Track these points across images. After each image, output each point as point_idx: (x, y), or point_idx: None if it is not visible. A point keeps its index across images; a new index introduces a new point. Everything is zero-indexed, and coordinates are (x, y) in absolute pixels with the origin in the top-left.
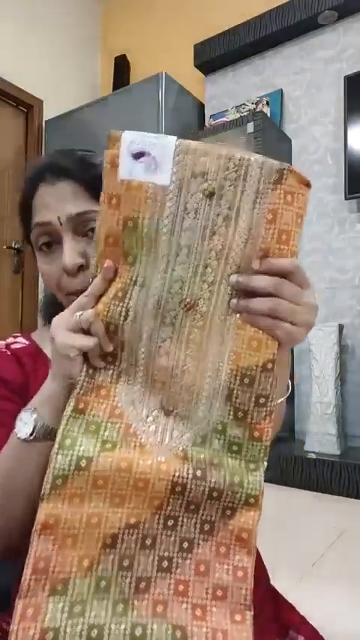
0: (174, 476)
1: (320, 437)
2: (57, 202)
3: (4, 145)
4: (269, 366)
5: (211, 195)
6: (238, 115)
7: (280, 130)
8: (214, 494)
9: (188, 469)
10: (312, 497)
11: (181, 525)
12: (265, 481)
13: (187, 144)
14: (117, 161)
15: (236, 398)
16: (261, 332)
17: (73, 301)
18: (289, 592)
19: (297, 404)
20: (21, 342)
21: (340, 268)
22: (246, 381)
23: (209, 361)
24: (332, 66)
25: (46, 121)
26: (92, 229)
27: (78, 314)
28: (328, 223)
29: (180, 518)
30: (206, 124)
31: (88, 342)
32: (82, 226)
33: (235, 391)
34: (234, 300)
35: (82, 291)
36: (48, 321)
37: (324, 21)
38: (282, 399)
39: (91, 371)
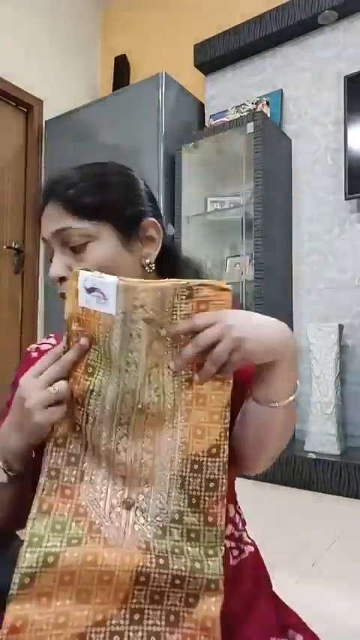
0: (138, 566)
1: (320, 437)
2: (46, 221)
3: (4, 145)
4: (213, 451)
5: (150, 320)
6: (238, 115)
7: (280, 130)
8: (177, 581)
9: (151, 559)
10: (312, 497)
11: (147, 618)
12: (266, 481)
13: (128, 282)
14: (77, 292)
15: (189, 485)
16: (203, 420)
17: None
18: (289, 592)
19: (297, 404)
20: (50, 342)
21: (340, 268)
22: (195, 467)
23: (163, 453)
24: (332, 66)
25: (46, 121)
26: (72, 246)
27: (53, 389)
28: (328, 223)
29: (146, 611)
30: (206, 124)
31: (60, 413)
32: (62, 244)
33: (187, 478)
34: (178, 361)
35: (62, 295)
36: None
37: (324, 21)
38: (291, 398)
39: (53, 472)
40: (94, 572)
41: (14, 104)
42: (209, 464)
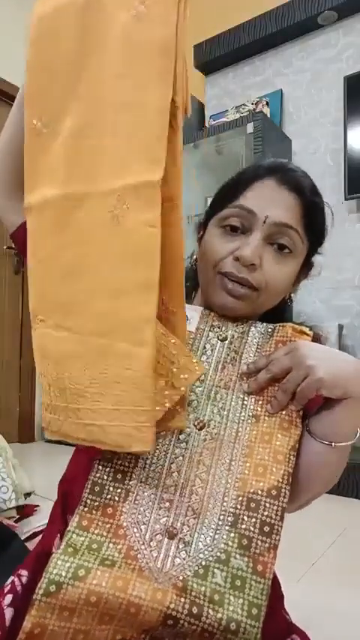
0: (168, 607)
1: None
2: (272, 203)
3: None
4: (274, 492)
5: (224, 339)
6: (238, 116)
7: (280, 130)
8: (206, 634)
9: (185, 604)
10: None
11: None
12: None
13: (208, 312)
14: None
15: (241, 523)
16: (267, 458)
17: (219, 279)
18: (289, 592)
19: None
20: None
21: (340, 268)
22: (252, 505)
23: (216, 485)
24: (332, 66)
25: None
26: (280, 245)
27: None
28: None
29: None
30: (206, 124)
31: None
32: (275, 235)
33: (240, 516)
34: (251, 383)
35: (236, 281)
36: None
37: (324, 21)
38: (349, 442)
39: (97, 488)
40: (121, 599)
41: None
42: (267, 505)
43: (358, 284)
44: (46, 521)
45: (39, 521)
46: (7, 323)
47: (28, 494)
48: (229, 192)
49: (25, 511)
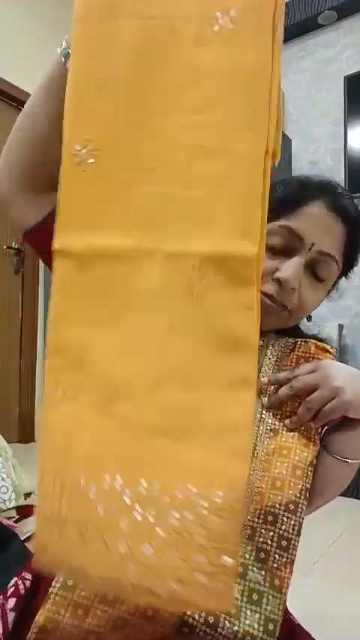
0: (184, 614)
1: None
2: (319, 230)
3: (3, 145)
4: (291, 507)
5: None
6: None
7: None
8: None
9: (201, 612)
10: None
11: None
12: None
13: None
14: None
15: (259, 536)
16: (285, 472)
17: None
18: (289, 591)
19: None
20: None
21: None
22: (270, 518)
23: None
24: (332, 66)
25: None
26: (316, 275)
27: None
28: None
29: None
30: None
31: None
32: (316, 263)
33: (258, 529)
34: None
35: (270, 298)
36: None
37: (324, 21)
38: (357, 461)
39: None
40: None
41: (14, 104)
42: (285, 519)
43: (358, 284)
44: None
45: None
46: (7, 323)
47: (28, 495)
48: (274, 208)
49: (25, 511)
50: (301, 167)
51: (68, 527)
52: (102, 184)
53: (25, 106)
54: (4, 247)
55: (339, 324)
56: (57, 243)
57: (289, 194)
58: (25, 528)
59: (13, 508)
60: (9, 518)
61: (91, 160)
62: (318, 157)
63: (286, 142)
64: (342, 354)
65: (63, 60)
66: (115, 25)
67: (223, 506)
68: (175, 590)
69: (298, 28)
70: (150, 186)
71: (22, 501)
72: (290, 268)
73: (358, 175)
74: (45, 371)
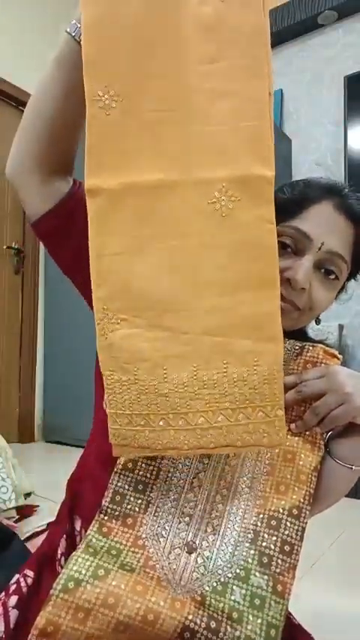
0: (186, 618)
1: None
2: (328, 229)
3: (4, 145)
4: (295, 512)
5: None
6: None
7: (279, 130)
8: None
9: (203, 617)
10: None
11: None
12: None
13: None
14: None
15: (262, 541)
16: (289, 476)
17: None
18: None
19: None
20: None
21: None
22: (273, 523)
23: (237, 501)
24: (332, 66)
25: None
26: (327, 270)
27: None
28: None
29: None
30: None
31: None
32: (326, 262)
33: (261, 534)
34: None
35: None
36: None
37: (324, 21)
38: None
39: (118, 497)
40: (140, 604)
41: (14, 104)
42: (288, 524)
43: (359, 284)
44: (47, 522)
45: (39, 521)
46: (7, 323)
47: (28, 495)
48: (282, 210)
49: (25, 511)
50: (301, 167)
51: (134, 418)
52: (126, 126)
53: (37, 84)
54: (4, 247)
55: (339, 324)
56: (88, 184)
57: (296, 195)
58: (25, 528)
59: (13, 508)
60: (9, 518)
61: (114, 105)
62: (318, 156)
63: (286, 142)
64: (342, 354)
65: (73, 34)
66: None
67: (268, 376)
68: (247, 439)
69: (298, 28)
70: (173, 126)
71: (22, 501)
72: (300, 268)
73: (358, 175)
74: (94, 303)
